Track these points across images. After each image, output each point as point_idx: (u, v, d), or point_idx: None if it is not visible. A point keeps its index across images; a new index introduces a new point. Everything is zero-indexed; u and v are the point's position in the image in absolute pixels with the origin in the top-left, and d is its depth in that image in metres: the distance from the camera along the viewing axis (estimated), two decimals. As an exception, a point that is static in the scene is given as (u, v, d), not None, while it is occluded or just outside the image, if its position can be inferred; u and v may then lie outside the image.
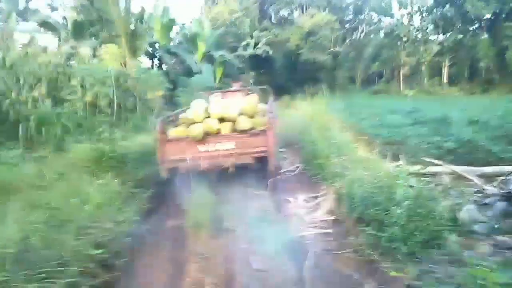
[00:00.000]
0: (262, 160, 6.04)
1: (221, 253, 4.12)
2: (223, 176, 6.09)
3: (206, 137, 5.94)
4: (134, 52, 12.50)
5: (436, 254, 3.20)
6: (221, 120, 6.18)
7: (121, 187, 5.02)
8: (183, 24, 23.52)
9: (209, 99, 7.72)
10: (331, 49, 31.18)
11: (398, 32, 34.32)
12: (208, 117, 6.18)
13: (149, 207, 5.45)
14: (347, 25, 35.43)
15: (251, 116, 6.34)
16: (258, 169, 6.13)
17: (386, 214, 3.65)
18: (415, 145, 7.77)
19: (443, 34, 33.76)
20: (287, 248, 4.05)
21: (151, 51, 19.02)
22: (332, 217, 4.89)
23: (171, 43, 20.42)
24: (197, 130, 5.92)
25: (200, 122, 6.06)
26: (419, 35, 34.59)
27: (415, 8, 34.72)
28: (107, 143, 6.31)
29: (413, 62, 34.82)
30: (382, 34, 37.19)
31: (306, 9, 31.75)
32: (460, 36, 32.82)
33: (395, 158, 6.31)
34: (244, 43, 23.24)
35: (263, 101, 7.85)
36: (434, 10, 33.23)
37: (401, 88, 35.51)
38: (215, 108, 6.30)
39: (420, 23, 34.37)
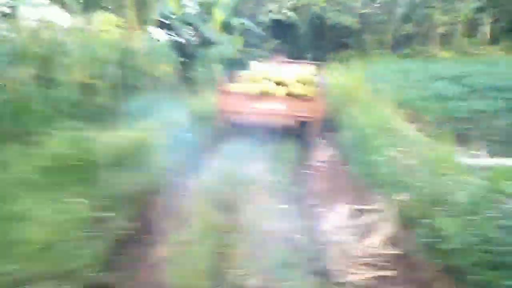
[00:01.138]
0: (307, 125, 6.78)
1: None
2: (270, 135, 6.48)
3: (262, 96, 6.84)
4: (143, 23, 11.43)
5: None
6: (278, 83, 7.15)
7: (88, 207, 3.58)
8: (199, -9, 22.02)
9: (254, 63, 8.82)
10: (360, 11, 28.91)
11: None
12: (267, 78, 7.13)
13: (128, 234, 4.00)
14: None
15: (305, 84, 7.19)
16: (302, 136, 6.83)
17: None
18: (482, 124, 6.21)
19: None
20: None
21: (166, 22, 17.83)
22: (397, 251, 3.46)
23: (187, 12, 19.08)
24: (255, 88, 6.89)
25: (259, 82, 7.06)
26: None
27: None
28: (76, 142, 4.42)
29: (450, 21, 31.89)
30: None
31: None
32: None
33: (463, 143, 4.86)
34: (264, 9, 21.60)
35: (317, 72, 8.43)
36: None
37: (437, 50, 32.87)
38: (273, 72, 7.37)
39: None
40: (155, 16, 13.99)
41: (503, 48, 29.90)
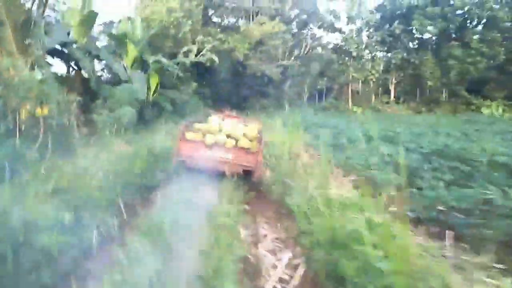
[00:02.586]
0: (247, 173, 7.74)
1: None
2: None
3: (215, 145, 7.85)
4: (24, 48, 8.63)
5: None
6: (228, 136, 8.08)
7: None
8: (110, 22, 19.46)
9: (211, 118, 9.21)
10: (280, 62, 28.89)
11: (347, 48, 33.13)
12: (220, 130, 8.26)
13: None
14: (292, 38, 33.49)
15: (250, 139, 8.05)
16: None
17: None
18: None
19: (390, 52, 33.25)
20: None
21: (65, 52, 14.83)
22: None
23: (92, 42, 16.31)
24: (211, 138, 7.88)
25: (213, 133, 8.05)
26: (367, 52, 33.68)
27: (363, 24, 33.93)
28: None
29: (361, 79, 33.84)
30: (328, 49, 35.98)
31: (253, 17, 29.23)
32: (407, 54, 32.56)
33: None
34: (185, 48, 19.76)
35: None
36: (382, 26, 32.59)
37: (350, 105, 34.37)
38: (227, 127, 8.39)
39: (368, 39, 33.52)
40: (45, 41, 11.15)
41: (408, 108, 32.32)
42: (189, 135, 7.99)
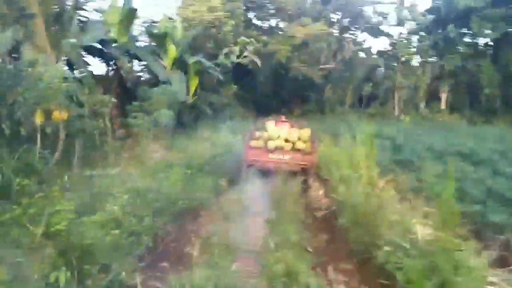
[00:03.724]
0: (304, 171, 9.29)
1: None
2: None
3: (276, 149, 9.40)
4: (55, 44, 7.88)
5: None
6: (286, 141, 9.62)
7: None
8: (151, 21, 18.88)
9: (267, 124, 10.40)
10: (323, 65, 27.43)
11: (395, 52, 31.07)
12: (279, 136, 9.69)
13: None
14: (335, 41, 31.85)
15: (304, 142, 9.69)
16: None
17: None
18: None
19: (443, 57, 30.79)
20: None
21: (104, 50, 14.27)
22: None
23: (133, 42, 15.71)
24: (272, 144, 9.40)
25: (273, 139, 9.51)
26: (417, 56, 31.42)
27: (414, 26, 31.76)
28: None
29: (410, 85, 31.57)
30: (374, 53, 34.04)
31: (295, 19, 27.95)
32: (462, 60, 30.00)
33: None
34: (226, 50, 18.82)
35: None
36: (435, 30, 30.27)
37: (396, 112, 32.21)
38: (284, 133, 9.80)
39: (419, 43, 31.24)
40: (81, 37, 10.50)
41: (462, 117, 29.73)
42: (253, 142, 9.65)
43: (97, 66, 21.45)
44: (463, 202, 5.04)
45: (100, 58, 15.66)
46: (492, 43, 30.26)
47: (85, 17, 15.81)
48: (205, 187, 5.95)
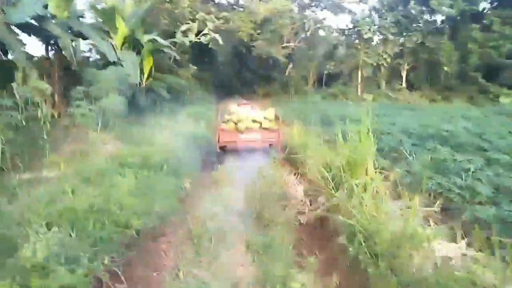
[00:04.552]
0: (271, 146, 10.22)
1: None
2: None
3: (246, 129, 10.25)
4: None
5: None
6: (254, 121, 10.50)
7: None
8: (97, -5, 16.85)
9: (232, 106, 11.65)
10: (286, 43, 26.43)
11: (357, 29, 30.59)
12: (247, 118, 10.53)
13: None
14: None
15: (270, 121, 10.64)
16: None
17: None
18: None
19: (404, 35, 30.74)
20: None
21: (42, 29, 12.34)
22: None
23: (76, 18, 13.85)
24: (243, 125, 10.25)
25: (242, 121, 10.36)
26: (379, 34, 31.15)
27: (376, 3, 31.39)
28: None
29: (372, 64, 31.38)
30: (336, 30, 33.43)
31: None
32: (422, 37, 30.10)
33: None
34: (184, 27, 17.26)
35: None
36: (396, 6, 30.01)
37: (359, 92, 32.06)
38: (252, 114, 10.72)
39: (381, 19, 30.93)
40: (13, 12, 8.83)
41: (422, 95, 30.05)
42: (223, 125, 10.40)
43: (36, 47, 19.09)
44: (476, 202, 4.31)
45: (38, 37, 13.68)
46: (448, 21, 30.59)
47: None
48: (166, 194, 4.83)
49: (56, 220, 3.24)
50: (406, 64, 31.59)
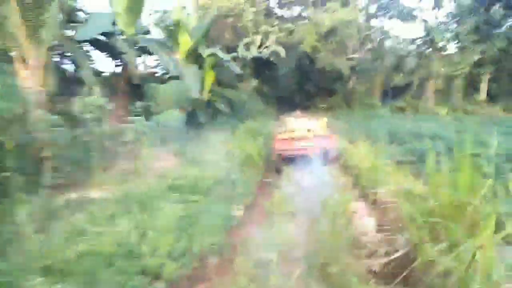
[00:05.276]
0: (325, 152, 10.31)
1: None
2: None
3: (301, 138, 10.78)
4: (32, 36, 6.31)
5: None
6: (308, 130, 11.11)
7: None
8: (163, 11, 17.27)
9: (288, 119, 12.68)
10: (352, 55, 25.20)
11: (430, 37, 28.36)
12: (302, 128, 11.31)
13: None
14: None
15: (322, 129, 11.45)
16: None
17: None
18: None
19: (485, 42, 27.83)
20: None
21: (110, 45, 12.76)
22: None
23: (143, 34, 14.17)
24: (297, 134, 10.95)
25: (298, 130, 11.14)
26: (456, 42, 28.60)
27: (452, 9, 28.91)
28: None
29: (446, 74, 28.82)
30: (405, 40, 31.29)
31: (319, 6, 25.72)
32: (507, 45, 27.02)
33: None
34: (246, 40, 17.02)
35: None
36: (477, 11, 27.29)
37: (430, 105, 29.55)
38: (305, 125, 11.47)
39: (458, 26, 28.37)
40: (78, 29, 9.03)
41: (506, 109, 26.89)
42: (280, 135, 11.19)
43: (106, 63, 20.02)
44: None
45: (106, 53, 14.18)
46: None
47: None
48: (213, 227, 4.22)
49: (68, 268, 2.76)
50: (486, 74, 28.58)
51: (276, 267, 3.55)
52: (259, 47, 17.47)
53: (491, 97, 29.12)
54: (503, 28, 27.12)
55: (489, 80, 29.14)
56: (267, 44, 17.27)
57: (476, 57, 27.75)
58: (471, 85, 29.88)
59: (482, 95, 29.16)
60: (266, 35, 17.82)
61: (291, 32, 20.44)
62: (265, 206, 5.67)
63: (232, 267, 3.67)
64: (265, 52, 17.18)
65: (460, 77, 28.78)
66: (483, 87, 29.09)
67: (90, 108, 7.43)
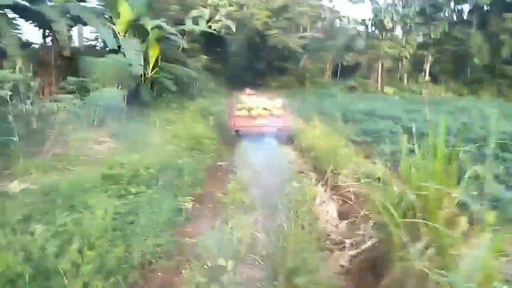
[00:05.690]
0: (279, 130, 10.87)
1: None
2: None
3: (257, 116, 10.98)
4: None
5: None
6: (264, 109, 11.30)
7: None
8: (100, -22, 15.52)
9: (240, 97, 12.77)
10: (303, 33, 24.80)
11: (379, 18, 28.72)
12: (258, 106, 11.37)
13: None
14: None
15: (277, 109, 11.47)
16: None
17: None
18: None
19: (429, 24, 28.69)
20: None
21: (36, 12, 11.13)
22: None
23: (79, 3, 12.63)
24: (255, 112, 11.04)
25: (254, 108, 11.21)
26: (402, 24, 29.21)
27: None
28: None
29: (394, 55, 29.48)
30: (355, 20, 31.50)
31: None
32: (449, 27, 28.06)
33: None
34: (194, 13, 15.85)
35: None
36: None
37: (379, 85, 30.25)
38: (262, 103, 11.56)
39: (404, 8, 28.96)
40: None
41: (448, 89, 28.15)
42: (237, 112, 11.17)
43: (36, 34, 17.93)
44: None
45: (33, 22, 12.50)
46: (477, 10, 28.51)
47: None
48: (156, 226, 3.48)
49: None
50: (430, 56, 29.67)
51: (232, 275, 2.93)
52: (208, 21, 16.37)
53: (434, 78, 30.37)
54: (447, 12, 28.09)
55: (433, 62, 30.26)
56: (217, 18, 16.23)
57: (420, 39, 28.63)
58: (417, 66, 30.94)
59: (426, 76, 30.28)
60: (215, 8, 16.74)
61: (241, 6, 19.49)
62: (218, 197, 4.99)
63: (179, 278, 2.99)
64: (215, 26, 16.14)
65: (406, 58, 29.61)
66: (427, 68, 30.19)
67: (4, 84, 6.21)
